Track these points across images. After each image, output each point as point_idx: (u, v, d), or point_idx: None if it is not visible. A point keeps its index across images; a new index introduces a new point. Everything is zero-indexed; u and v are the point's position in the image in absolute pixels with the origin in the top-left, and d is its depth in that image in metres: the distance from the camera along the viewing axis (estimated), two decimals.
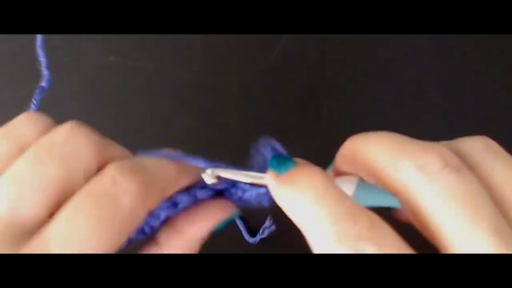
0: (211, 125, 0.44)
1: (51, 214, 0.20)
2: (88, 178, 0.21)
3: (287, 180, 0.21)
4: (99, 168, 0.22)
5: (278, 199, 0.22)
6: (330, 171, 0.25)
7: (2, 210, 0.20)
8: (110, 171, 0.21)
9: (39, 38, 0.27)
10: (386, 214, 0.21)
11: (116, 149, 0.24)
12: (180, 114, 0.44)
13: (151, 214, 0.24)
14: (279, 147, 0.24)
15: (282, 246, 0.39)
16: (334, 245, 0.18)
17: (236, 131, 0.43)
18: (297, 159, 0.23)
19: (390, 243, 0.18)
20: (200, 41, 0.45)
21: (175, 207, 0.24)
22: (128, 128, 0.43)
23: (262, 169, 0.24)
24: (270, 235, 0.38)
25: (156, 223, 0.24)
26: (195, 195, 0.25)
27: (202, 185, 0.25)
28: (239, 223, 0.39)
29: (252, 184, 0.24)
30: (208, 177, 0.24)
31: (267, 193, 0.24)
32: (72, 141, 0.21)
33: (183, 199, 0.24)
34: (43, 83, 0.29)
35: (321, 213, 0.19)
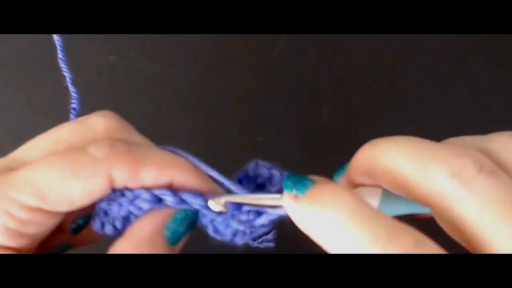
0: (211, 125, 0.44)
1: None
2: None
3: (310, 201, 0.19)
4: None
5: (300, 221, 0.20)
6: (339, 181, 0.24)
7: (21, 150, 0.25)
8: (98, 140, 0.24)
9: (59, 53, 0.29)
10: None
11: (135, 136, 0.26)
12: (180, 114, 0.44)
13: (133, 203, 0.24)
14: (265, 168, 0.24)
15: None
16: None
17: (236, 131, 0.43)
18: (314, 177, 0.21)
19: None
20: (200, 41, 0.45)
21: (159, 202, 0.24)
22: None
23: (253, 190, 0.24)
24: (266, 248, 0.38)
25: (135, 214, 0.24)
26: (180, 197, 0.24)
27: (194, 192, 0.24)
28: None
29: (266, 206, 0.23)
30: (216, 205, 0.23)
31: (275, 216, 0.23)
32: (96, 117, 0.26)
33: (168, 198, 0.23)
34: (73, 105, 0.32)
35: (358, 234, 0.18)
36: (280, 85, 0.45)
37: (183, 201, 0.24)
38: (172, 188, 0.24)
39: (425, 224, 0.20)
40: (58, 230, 0.25)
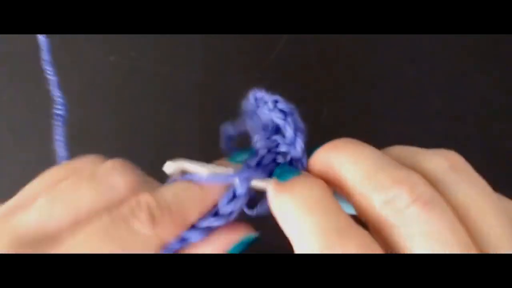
0: (211, 125, 0.44)
1: None
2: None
3: (285, 188, 0.21)
4: None
5: (272, 206, 0.21)
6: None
7: (33, 218, 0.22)
8: (131, 202, 0.22)
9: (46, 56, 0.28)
10: None
11: (154, 187, 0.24)
12: (180, 114, 0.44)
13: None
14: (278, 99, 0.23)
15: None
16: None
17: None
18: (304, 172, 0.22)
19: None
20: (200, 41, 0.45)
21: (184, 242, 0.23)
22: (128, 128, 0.43)
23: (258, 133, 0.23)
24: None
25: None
26: (208, 227, 0.23)
27: (215, 212, 0.24)
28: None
29: (255, 190, 0.23)
30: (170, 168, 0.23)
31: None
32: (111, 173, 0.23)
33: (194, 236, 0.23)
34: (59, 111, 0.29)
35: (311, 224, 0.19)
36: (280, 85, 0.45)
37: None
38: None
39: None
40: None
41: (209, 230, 0.23)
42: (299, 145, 0.24)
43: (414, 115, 0.43)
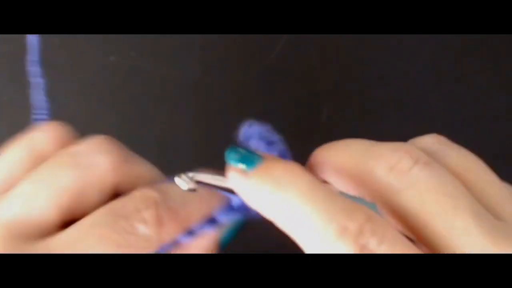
0: (211, 124, 0.44)
1: (63, 220, 0.21)
2: (103, 191, 0.22)
3: (262, 177, 0.19)
4: (119, 184, 0.23)
5: (250, 198, 0.20)
6: None
7: (16, 207, 0.21)
8: (136, 198, 0.22)
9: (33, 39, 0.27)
10: None
11: (142, 166, 0.24)
12: (180, 114, 0.44)
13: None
14: (267, 133, 0.22)
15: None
16: (334, 243, 0.18)
17: (236, 131, 0.43)
18: (261, 153, 0.21)
19: (390, 235, 0.18)
20: (200, 41, 0.45)
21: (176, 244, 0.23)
22: (128, 128, 0.43)
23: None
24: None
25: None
26: (216, 221, 0.23)
27: (211, 219, 0.23)
28: None
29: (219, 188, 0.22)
30: (184, 182, 0.22)
31: None
32: (92, 153, 0.22)
33: (188, 239, 0.23)
34: (41, 116, 0.27)
35: (314, 211, 0.18)
36: (280, 85, 0.45)
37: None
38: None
39: None
40: None
41: (202, 234, 0.23)
42: None
43: (414, 115, 0.43)
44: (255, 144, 0.22)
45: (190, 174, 0.22)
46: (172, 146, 0.43)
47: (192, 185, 0.22)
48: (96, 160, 0.22)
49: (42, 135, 0.24)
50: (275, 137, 0.23)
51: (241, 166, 0.20)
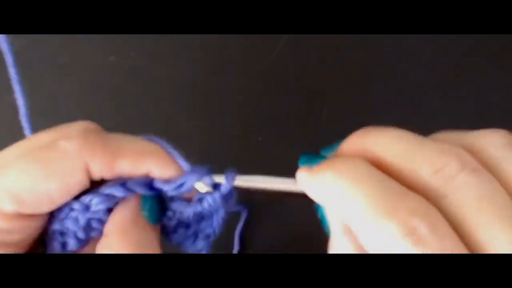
0: (211, 125, 0.44)
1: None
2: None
3: (323, 169, 0.20)
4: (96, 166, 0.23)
5: (314, 192, 0.21)
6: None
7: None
8: (71, 126, 0.23)
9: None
10: None
11: (122, 143, 0.24)
12: (180, 114, 0.44)
13: (89, 210, 0.23)
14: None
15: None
16: (382, 221, 0.18)
17: (236, 131, 0.43)
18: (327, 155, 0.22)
19: (441, 225, 0.18)
20: (200, 41, 0.45)
21: (113, 198, 0.23)
22: (128, 128, 0.43)
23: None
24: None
25: (96, 218, 0.24)
26: (129, 188, 0.23)
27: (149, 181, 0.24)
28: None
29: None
30: (203, 186, 0.23)
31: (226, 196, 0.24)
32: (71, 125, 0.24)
33: (118, 192, 0.23)
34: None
35: (367, 191, 0.18)
36: (280, 85, 0.45)
37: (132, 191, 0.24)
38: (149, 177, 0.24)
39: None
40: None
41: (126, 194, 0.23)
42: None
43: (414, 115, 0.43)
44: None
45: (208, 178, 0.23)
46: (172, 146, 0.43)
47: (208, 188, 0.23)
48: (69, 124, 0.24)
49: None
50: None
51: (308, 164, 0.21)
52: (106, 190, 0.23)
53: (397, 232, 0.17)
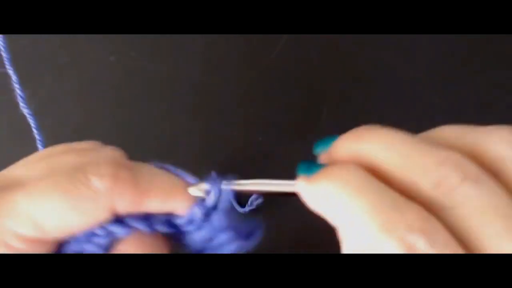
0: (211, 124, 0.44)
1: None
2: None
3: (320, 177, 0.20)
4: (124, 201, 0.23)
5: (311, 200, 0.20)
6: (320, 153, 0.24)
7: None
8: (101, 156, 0.22)
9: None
10: None
11: (149, 177, 0.24)
12: (180, 114, 0.44)
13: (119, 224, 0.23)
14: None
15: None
16: (380, 236, 0.17)
17: (236, 131, 0.43)
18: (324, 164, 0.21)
19: (441, 238, 0.17)
20: (200, 41, 0.45)
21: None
22: (128, 128, 0.43)
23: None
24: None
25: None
26: (129, 226, 0.23)
27: (167, 218, 0.24)
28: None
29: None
30: (196, 190, 0.23)
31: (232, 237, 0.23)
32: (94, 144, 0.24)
33: (118, 230, 0.23)
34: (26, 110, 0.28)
35: (365, 204, 0.18)
36: (280, 85, 0.45)
37: (155, 230, 0.23)
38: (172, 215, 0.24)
39: None
40: None
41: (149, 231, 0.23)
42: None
43: (413, 114, 0.43)
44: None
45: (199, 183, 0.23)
46: (172, 146, 0.43)
47: (201, 193, 0.23)
48: (95, 144, 0.23)
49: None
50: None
51: (306, 174, 0.21)
52: (132, 223, 0.23)
53: (396, 248, 0.17)
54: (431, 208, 0.18)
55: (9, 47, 0.46)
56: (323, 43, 0.45)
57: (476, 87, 0.44)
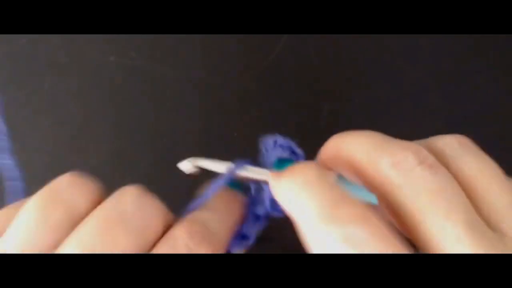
0: (211, 124, 0.44)
1: None
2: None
3: (284, 174, 0.22)
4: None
5: (274, 193, 0.22)
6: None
7: None
8: (182, 237, 0.22)
9: None
10: None
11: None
12: (180, 114, 0.44)
13: None
14: (284, 142, 0.25)
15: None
16: (323, 229, 0.19)
17: (236, 131, 0.43)
18: (293, 162, 0.23)
19: (378, 228, 0.18)
20: (200, 41, 0.45)
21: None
22: (128, 128, 0.43)
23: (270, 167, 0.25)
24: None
25: None
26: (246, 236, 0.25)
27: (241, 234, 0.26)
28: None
29: (257, 181, 0.25)
30: (186, 166, 0.24)
31: None
32: (142, 211, 0.21)
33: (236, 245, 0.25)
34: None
35: (311, 199, 0.20)
36: (280, 85, 0.45)
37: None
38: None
39: None
40: None
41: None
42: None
43: (414, 115, 0.43)
44: (280, 153, 0.26)
45: (193, 160, 0.25)
46: (172, 146, 0.43)
47: (193, 170, 0.24)
48: (148, 218, 0.21)
49: (75, 192, 0.22)
50: (297, 148, 0.26)
51: (276, 170, 0.23)
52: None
53: (335, 240, 0.18)
54: (386, 188, 0.20)
55: (9, 47, 0.46)
56: (323, 43, 0.45)
57: (476, 87, 0.44)
